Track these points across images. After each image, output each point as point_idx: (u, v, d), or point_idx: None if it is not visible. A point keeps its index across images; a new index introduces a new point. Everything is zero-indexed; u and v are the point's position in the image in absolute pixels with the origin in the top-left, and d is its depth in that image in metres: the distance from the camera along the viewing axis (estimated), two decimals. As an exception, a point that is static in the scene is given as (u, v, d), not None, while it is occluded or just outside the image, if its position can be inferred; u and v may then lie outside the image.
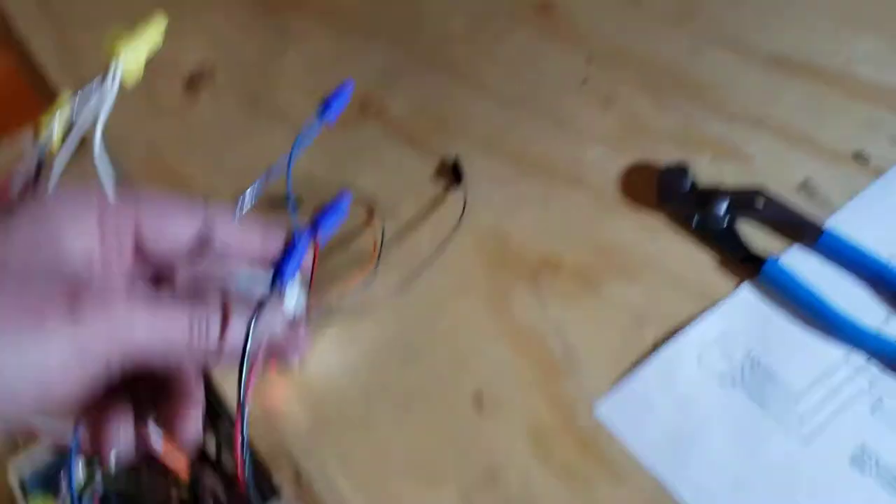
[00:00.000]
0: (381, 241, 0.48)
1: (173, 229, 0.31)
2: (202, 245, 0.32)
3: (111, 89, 0.37)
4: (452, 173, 0.53)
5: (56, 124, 0.41)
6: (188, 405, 0.31)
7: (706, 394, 0.42)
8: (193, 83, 0.64)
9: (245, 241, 0.33)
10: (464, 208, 0.50)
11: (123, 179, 0.59)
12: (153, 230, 0.30)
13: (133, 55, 0.37)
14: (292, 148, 0.40)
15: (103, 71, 0.37)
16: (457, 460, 0.42)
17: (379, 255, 0.48)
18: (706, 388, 0.42)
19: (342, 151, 0.56)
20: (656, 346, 0.43)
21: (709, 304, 0.44)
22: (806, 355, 0.42)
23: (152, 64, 0.67)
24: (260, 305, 0.29)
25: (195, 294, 0.30)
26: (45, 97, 0.70)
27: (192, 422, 0.31)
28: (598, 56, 0.56)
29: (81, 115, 0.39)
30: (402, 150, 0.56)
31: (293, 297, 0.43)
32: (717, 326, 0.43)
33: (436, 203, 0.52)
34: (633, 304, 0.45)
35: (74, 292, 0.26)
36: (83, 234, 0.29)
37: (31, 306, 0.25)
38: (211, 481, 0.46)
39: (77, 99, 0.38)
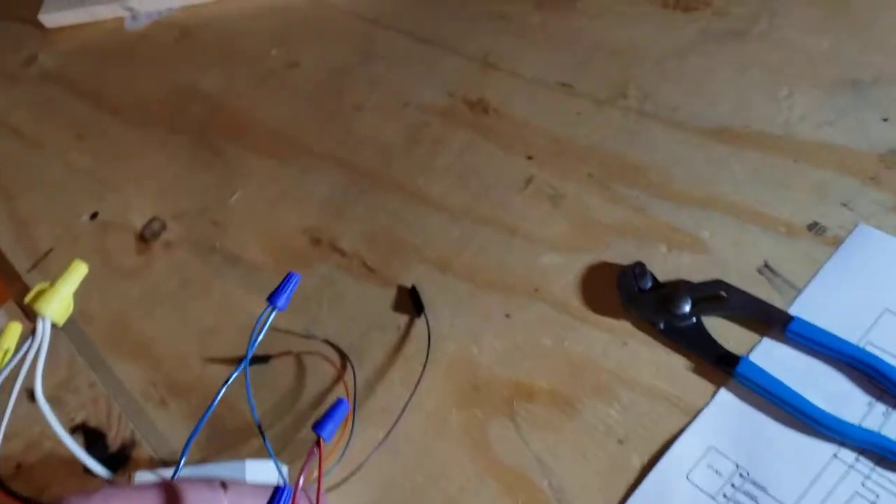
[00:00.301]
0: (355, 399, 0.48)
1: None
2: None
3: (42, 346, 0.37)
4: (412, 304, 0.52)
5: (9, 366, 0.41)
6: None
7: (701, 514, 0.40)
8: (145, 240, 0.63)
9: None
10: (429, 343, 0.49)
11: (94, 358, 0.59)
12: None
13: (59, 305, 0.37)
14: (246, 356, 0.39)
15: (32, 329, 0.37)
16: None
17: (354, 414, 0.47)
18: (700, 508, 0.41)
19: (300, 295, 0.55)
20: (644, 469, 0.42)
21: (689, 414, 0.43)
22: (794, 459, 0.40)
23: (103, 226, 0.67)
24: None
25: None
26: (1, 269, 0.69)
27: None
28: (539, 151, 0.55)
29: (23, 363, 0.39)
30: (359, 283, 0.55)
31: None
32: (701, 440, 0.42)
33: (401, 338, 0.51)
34: (613, 425, 0.44)
35: None
36: None
37: None
38: None
39: (12, 361, 0.38)
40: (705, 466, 0.41)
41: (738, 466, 0.41)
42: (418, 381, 0.48)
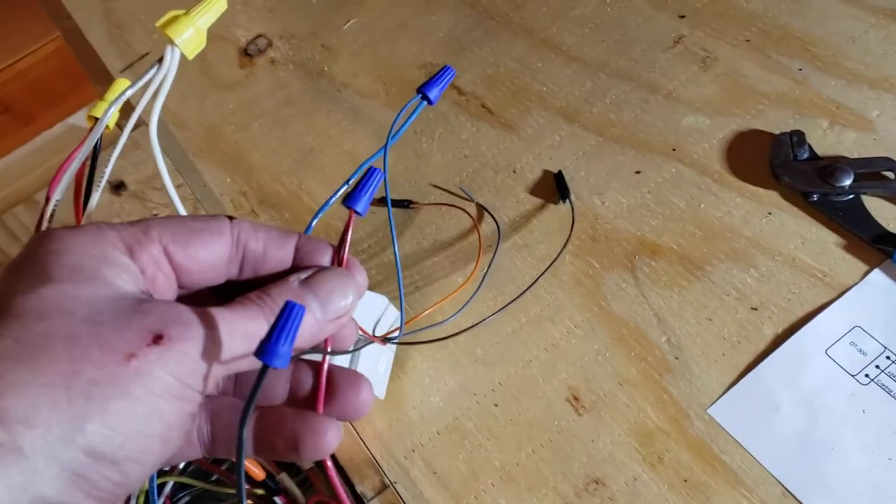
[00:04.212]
0: (493, 258, 0.44)
1: (203, 251, 0.27)
2: (238, 262, 0.28)
3: (167, 78, 0.33)
4: (557, 188, 0.47)
5: (112, 109, 0.38)
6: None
7: (837, 392, 0.37)
8: (249, 55, 0.60)
9: (281, 253, 0.29)
10: (573, 223, 0.44)
11: (183, 161, 0.56)
12: (183, 256, 0.27)
13: (189, 38, 0.33)
14: (389, 137, 0.34)
15: (159, 58, 0.33)
16: (556, 466, 0.39)
17: (489, 270, 0.44)
18: (837, 385, 0.37)
19: (410, 128, 0.52)
20: (777, 340, 0.39)
21: (835, 291, 0.39)
22: (953, 348, 0.37)
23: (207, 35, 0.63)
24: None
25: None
26: (93, 71, 0.66)
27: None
28: (693, 11, 0.51)
29: (138, 101, 0.35)
30: (474, 122, 0.51)
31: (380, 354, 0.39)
32: (847, 317, 0.39)
33: (516, 181, 0.48)
34: (747, 292, 0.41)
35: (146, 322, 0.23)
36: (124, 267, 0.25)
37: (114, 348, 0.22)
38: (286, 480, 0.43)
39: (134, 85, 0.34)
40: (848, 344, 0.38)
41: (885, 349, 0.37)
42: (560, 251, 0.43)
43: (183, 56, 0.35)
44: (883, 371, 0.37)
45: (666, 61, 0.50)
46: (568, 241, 0.44)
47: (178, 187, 0.54)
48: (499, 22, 0.55)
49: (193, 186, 0.54)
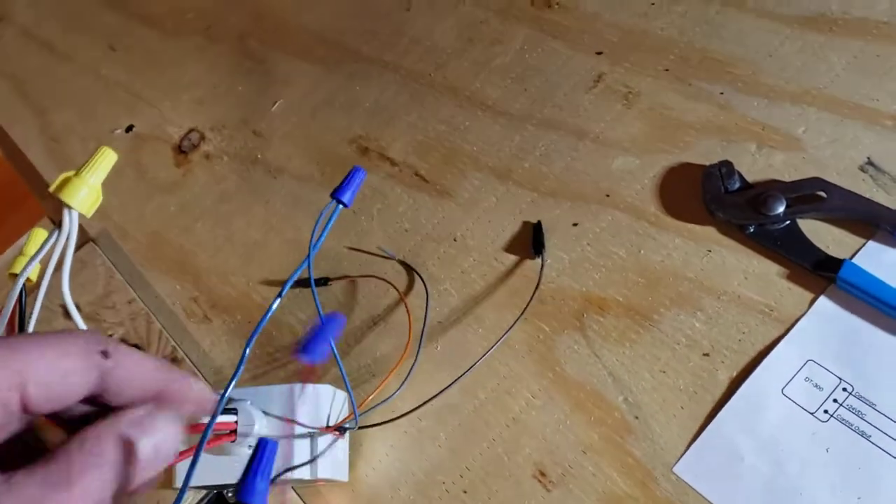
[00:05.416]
0: (425, 321, 0.44)
1: (62, 384, 0.25)
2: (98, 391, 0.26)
3: (70, 239, 0.33)
4: (532, 241, 0.45)
5: (31, 267, 0.38)
6: None
7: (799, 432, 0.36)
8: (183, 152, 0.60)
9: (143, 380, 0.27)
10: (539, 279, 0.43)
11: (132, 274, 0.56)
12: (40, 386, 0.24)
13: (84, 198, 0.33)
14: (308, 255, 0.35)
15: (59, 221, 0.33)
16: (531, 547, 0.38)
17: (422, 337, 0.43)
18: (798, 425, 0.37)
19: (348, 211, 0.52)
20: (733, 385, 0.38)
21: (783, 325, 0.39)
22: (907, 371, 0.36)
23: (138, 138, 0.63)
24: None
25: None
26: (35, 185, 0.66)
27: None
28: (610, 46, 0.50)
29: (51, 256, 0.35)
30: (411, 193, 0.51)
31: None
32: (798, 352, 0.38)
33: (460, 251, 0.48)
34: (697, 337, 0.40)
35: None
36: None
37: None
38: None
39: (38, 253, 0.34)
40: (803, 380, 0.37)
41: (841, 380, 0.37)
42: (522, 313, 0.43)
43: (85, 215, 0.35)
44: (841, 404, 0.36)
45: (589, 103, 0.49)
46: (533, 295, 0.43)
47: (129, 303, 0.54)
48: (422, 84, 0.55)
49: (146, 300, 0.54)
